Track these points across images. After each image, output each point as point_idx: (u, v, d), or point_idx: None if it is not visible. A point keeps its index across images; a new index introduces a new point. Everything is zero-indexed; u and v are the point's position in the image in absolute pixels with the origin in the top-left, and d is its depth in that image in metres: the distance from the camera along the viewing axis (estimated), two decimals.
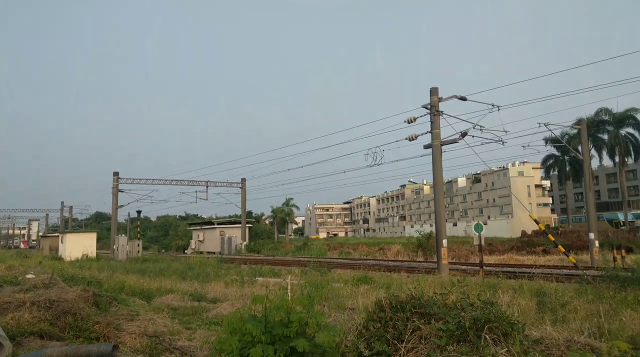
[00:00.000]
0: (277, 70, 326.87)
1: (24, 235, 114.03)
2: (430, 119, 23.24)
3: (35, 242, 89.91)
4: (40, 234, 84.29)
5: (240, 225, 60.81)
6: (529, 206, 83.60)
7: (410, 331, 5.28)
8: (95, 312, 9.68)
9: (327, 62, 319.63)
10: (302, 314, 4.93)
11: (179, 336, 8.95)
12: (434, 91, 23.27)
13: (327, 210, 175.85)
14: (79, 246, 42.80)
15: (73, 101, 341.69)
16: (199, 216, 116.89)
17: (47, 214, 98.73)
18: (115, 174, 51.86)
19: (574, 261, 24.81)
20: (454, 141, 23.61)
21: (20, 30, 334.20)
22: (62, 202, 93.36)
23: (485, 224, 76.64)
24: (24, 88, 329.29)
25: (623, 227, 58.05)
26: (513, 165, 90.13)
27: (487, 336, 4.90)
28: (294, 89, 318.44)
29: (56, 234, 56.10)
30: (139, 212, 58.81)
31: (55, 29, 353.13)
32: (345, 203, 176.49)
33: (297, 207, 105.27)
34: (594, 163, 60.16)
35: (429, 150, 23.52)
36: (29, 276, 16.28)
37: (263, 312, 5.02)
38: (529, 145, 28.71)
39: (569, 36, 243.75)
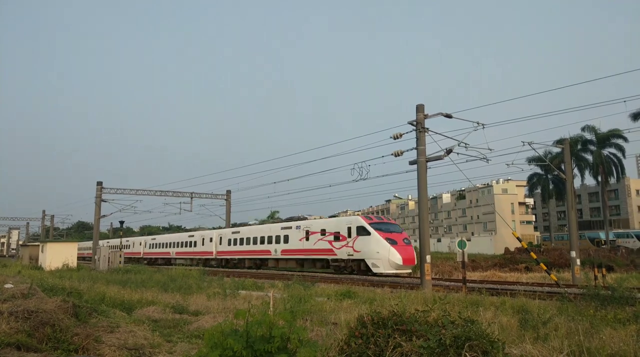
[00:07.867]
0: (267, 84, 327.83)
1: (3, 243, 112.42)
2: (416, 135, 23.41)
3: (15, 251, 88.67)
4: (21, 242, 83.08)
5: None
6: (512, 223, 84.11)
7: (392, 347, 5.28)
8: (75, 323, 9.56)
9: (314, 76, 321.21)
10: (284, 329, 4.92)
11: (160, 349, 8.85)
12: (420, 108, 23.45)
13: None
14: (59, 255, 42.19)
15: (57, 109, 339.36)
16: (182, 227, 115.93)
17: (28, 223, 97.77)
18: (99, 183, 51.38)
19: (555, 279, 25.02)
20: (439, 158, 23.79)
21: None
22: (44, 211, 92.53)
23: (469, 240, 77.08)
24: (7, 95, 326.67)
25: (604, 246, 58.60)
26: (497, 182, 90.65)
27: (467, 354, 4.92)
28: (284, 104, 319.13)
29: (36, 243, 55.29)
30: (121, 222, 58.19)
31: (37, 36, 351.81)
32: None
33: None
34: (577, 182, 61.01)
35: (414, 166, 23.66)
36: (8, 285, 16.04)
37: (245, 327, 4.99)
38: (512, 164, 28.99)
39: (556, 56, 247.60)
